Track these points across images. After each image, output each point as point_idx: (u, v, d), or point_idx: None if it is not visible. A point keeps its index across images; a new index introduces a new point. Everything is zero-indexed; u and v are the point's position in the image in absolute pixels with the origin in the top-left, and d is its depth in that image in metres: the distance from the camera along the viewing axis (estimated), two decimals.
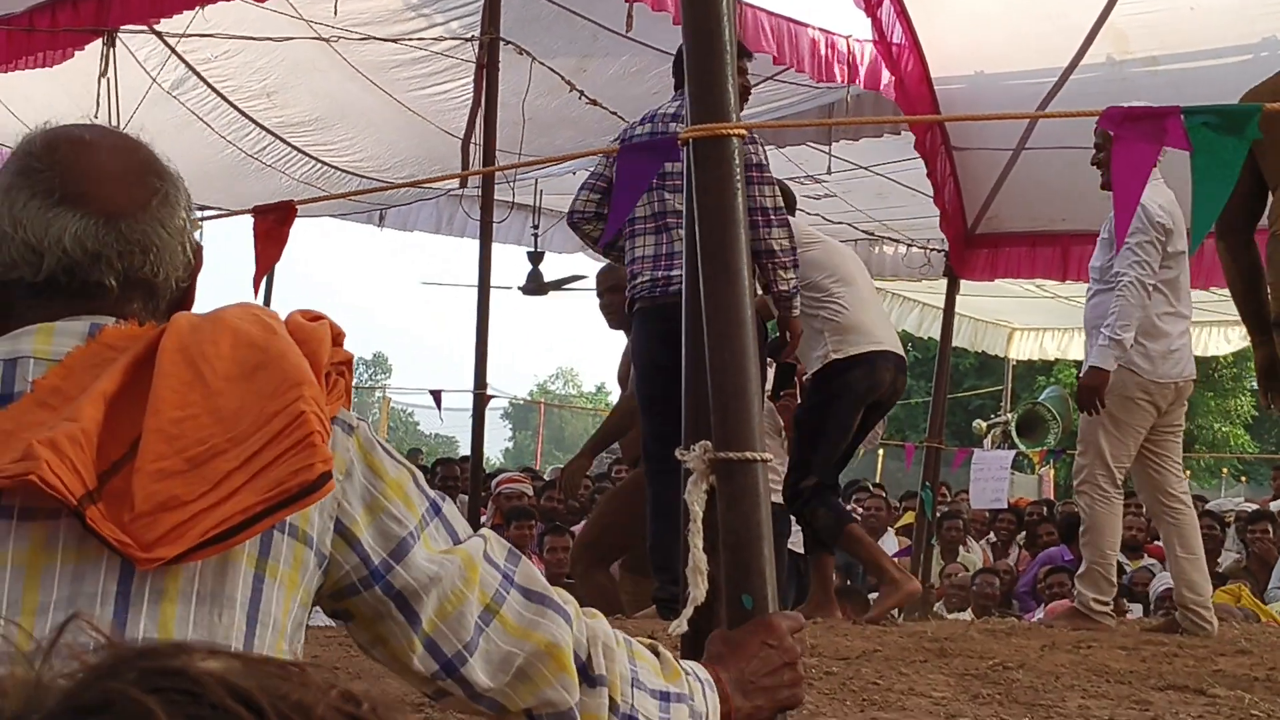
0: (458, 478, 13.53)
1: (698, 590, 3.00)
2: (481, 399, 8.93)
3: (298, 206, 6.58)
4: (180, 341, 1.90)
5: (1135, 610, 11.52)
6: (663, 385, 7.17)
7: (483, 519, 11.35)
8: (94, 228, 2.02)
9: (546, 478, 16.74)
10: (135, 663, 0.91)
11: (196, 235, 2.19)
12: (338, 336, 2.06)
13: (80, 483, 1.78)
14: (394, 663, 2.16)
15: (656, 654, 2.39)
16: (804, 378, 8.85)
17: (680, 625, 2.96)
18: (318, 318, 2.06)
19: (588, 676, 2.23)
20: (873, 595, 10.04)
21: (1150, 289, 7.38)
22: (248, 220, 6.52)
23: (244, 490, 1.82)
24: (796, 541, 10.55)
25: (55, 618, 1.76)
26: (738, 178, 3.10)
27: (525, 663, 2.17)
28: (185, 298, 2.16)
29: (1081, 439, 7.64)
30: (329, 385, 1.99)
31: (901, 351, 8.25)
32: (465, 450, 13.48)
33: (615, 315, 8.60)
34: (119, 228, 2.04)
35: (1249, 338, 6.01)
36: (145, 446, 1.82)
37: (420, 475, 2.17)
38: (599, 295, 8.82)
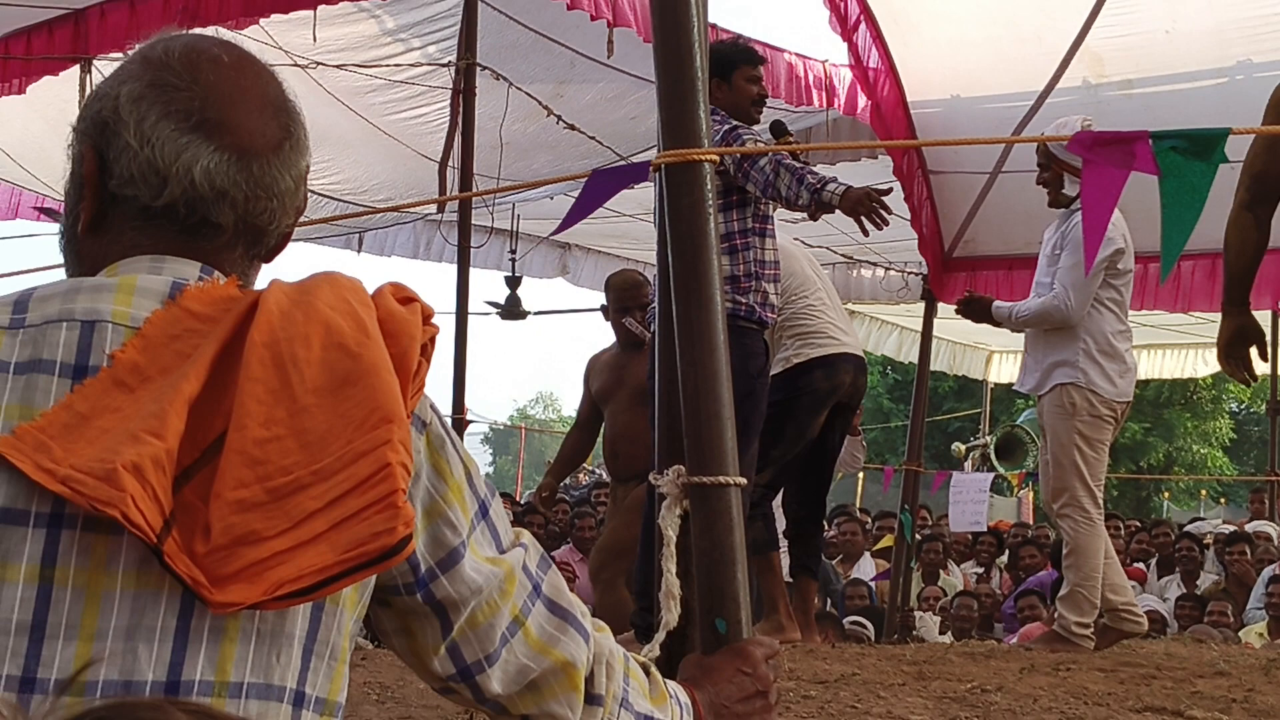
0: None
1: (670, 615, 3.00)
2: (460, 423, 8.92)
3: None
4: (271, 335, 1.80)
5: None
6: None
7: None
8: (227, 164, 1.94)
9: (522, 502, 16.72)
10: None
11: None
12: (427, 315, 1.97)
13: (160, 512, 1.72)
14: (412, 656, 2.12)
15: (648, 673, 2.37)
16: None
17: (653, 649, 2.96)
18: (408, 299, 1.96)
19: (589, 695, 2.21)
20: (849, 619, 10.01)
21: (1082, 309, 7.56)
22: None
23: (323, 542, 1.76)
24: None
25: (113, 646, 1.73)
26: (709, 203, 3.10)
27: (539, 677, 2.15)
28: (282, 243, 2.08)
29: (1055, 463, 7.64)
30: (416, 374, 1.91)
31: (860, 352, 8.37)
32: None
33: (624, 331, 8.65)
34: (251, 168, 1.96)
35: (1224, 308, 6.01)
36: (226, 469, 1.74)
37: (477, 469, 2.09)
38: (621, 309, 8.78)
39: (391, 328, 1.89)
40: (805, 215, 7.16)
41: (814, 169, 7.16)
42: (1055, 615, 7.86)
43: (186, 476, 1.76)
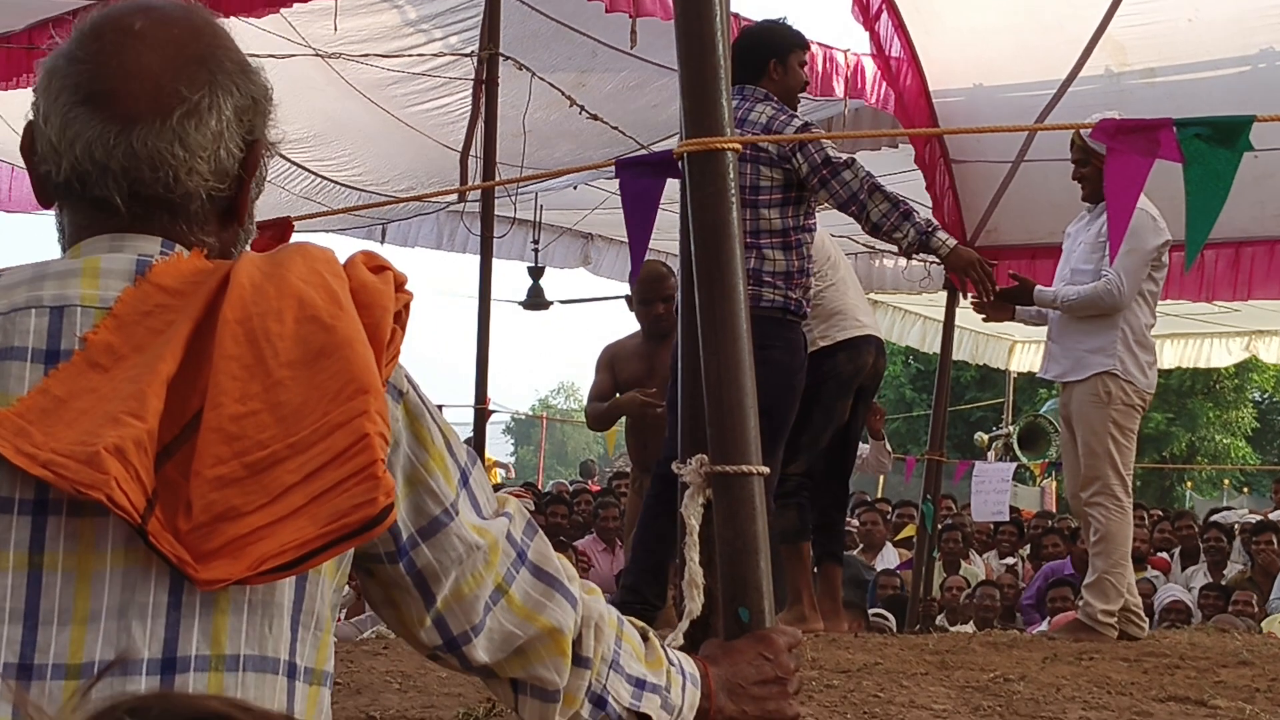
0: None
1: (694, 604, 3.00)
2: (482, 414, 8.93)
3: (295, 222, 6.58)
4: (243, 310, 1.80)
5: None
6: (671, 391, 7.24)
7: None
8: (104, 136, 1.91)
9: (550, 490, 16.77)
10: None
11: (269, 129, 2.10)
12: (400, 283, 1.96)
13: (143, 492, 1.73)
14: (399, 627, 2.13)
15: (646, 639, 2.37)
16: None
17: (677, 638, 2.96)
18: (380, 267, 1.95)
19: (577, 657, 2.22)
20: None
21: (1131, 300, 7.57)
22: None
23: (303, 515, 1.76)
24: None
25: (107, 626, 1.74)
26: (732, 192, 3.10)
27: (526, 643, 2.17)
28: (236, 205, 2.04)
29: (1088, 451, 7.63)
30: (390, 342, 1.90)
31: (880, 333, 8.35)
32: None
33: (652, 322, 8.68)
34: (129, 140, 1.92)
35: None
36: (204, 447, 1.75)
37: (457, 437, 2.10)
38: (645, 301, 8.78)
39: (364, 298, 1.88)
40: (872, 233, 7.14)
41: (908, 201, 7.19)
42: (1081, 603, 7.84)
43: (168, 454, 1.77)
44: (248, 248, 2.09)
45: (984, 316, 8.31)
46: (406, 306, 1.97)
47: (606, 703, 2.27)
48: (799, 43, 7.41)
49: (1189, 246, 2.97)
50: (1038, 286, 7.94)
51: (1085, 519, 7.81)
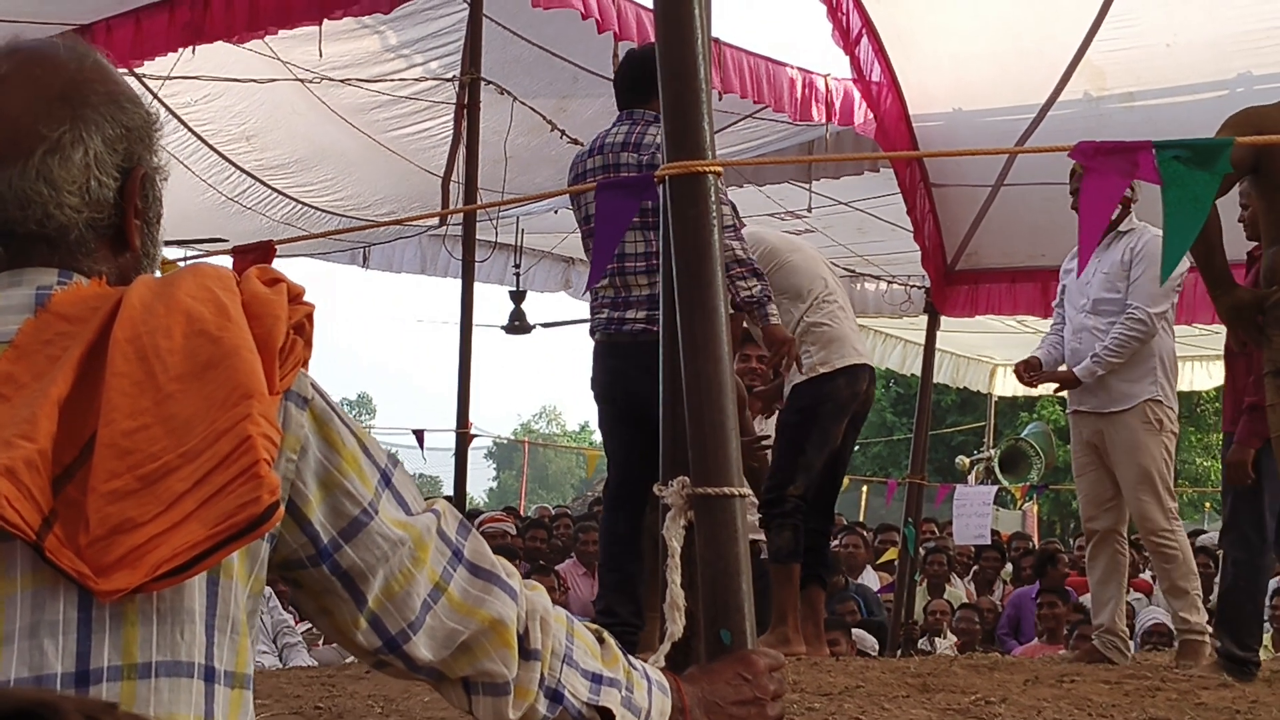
0: None
1: (675, 626, 3.00)
2: (464, 438, 8.93)
3: (277, 246, 6.59)
4: (133, 330, 1.85)
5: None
6: (609, 419, 7.22)
7: None
8: None
9: (532, 515, 16.76)
10: None
11: (152, 155, 2.12)
12: (295, 294, 1.99)
13: (37, 510, 1.76)
14: (338, 634, 2.15)
15: (602, 640, 2.38)
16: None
17: (659, 660, 2.96)
18: (275, 280, 1.98)
19: (524, 650, 2.23)
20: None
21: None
22: (228, 261, 6.53)
23: (194, 520, 1.79)
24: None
25: (20, 646, 1.76)
26: (714, 215, 3.11)
27: (469, 638, 2.18)
28: (122, 232, 2.07)
29: (1143, 478, 7.68)
30: (287, 352, 1.93)
31: (872, 362, 8.42)
32: (449, 490, 13.48)
33: None
34: None
35: (1214, 295, 6.03)
36: (99, 464, 1.79)
37: (374, 441, 2.12)
38: None
39: (255, 309, 1.92)
40: (751, 288, 7.15)
41: None
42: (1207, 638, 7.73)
43: (69, 475, 1.80)
44: (158, 272, 2.11)
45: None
46: (309, 317, 2.00)
47: (563, 696, 2.27)
48: None
49: (1165, 266, 3.00)
50: (1075, 371, 7.95)
51: (1106, 545, 7.84)
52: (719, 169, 3.14)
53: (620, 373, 6.95)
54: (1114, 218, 7.71)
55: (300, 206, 13.39)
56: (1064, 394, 8.35)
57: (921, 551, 13.99)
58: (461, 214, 9.82)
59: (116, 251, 2.08)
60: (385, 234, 14.68)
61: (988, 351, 20.65)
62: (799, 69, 11.31)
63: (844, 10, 10.80)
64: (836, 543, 14.40)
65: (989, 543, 15.41)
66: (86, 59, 2.10)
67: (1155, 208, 7.71)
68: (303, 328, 1.98)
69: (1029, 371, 8.25)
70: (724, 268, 6.84)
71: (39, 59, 2.06)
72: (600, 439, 9.09)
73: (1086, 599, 12.84)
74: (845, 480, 9.54)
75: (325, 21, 9.67)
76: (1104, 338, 7.76)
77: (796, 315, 7.87)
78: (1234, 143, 2.81)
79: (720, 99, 10.39)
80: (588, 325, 7.26)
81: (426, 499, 2.21)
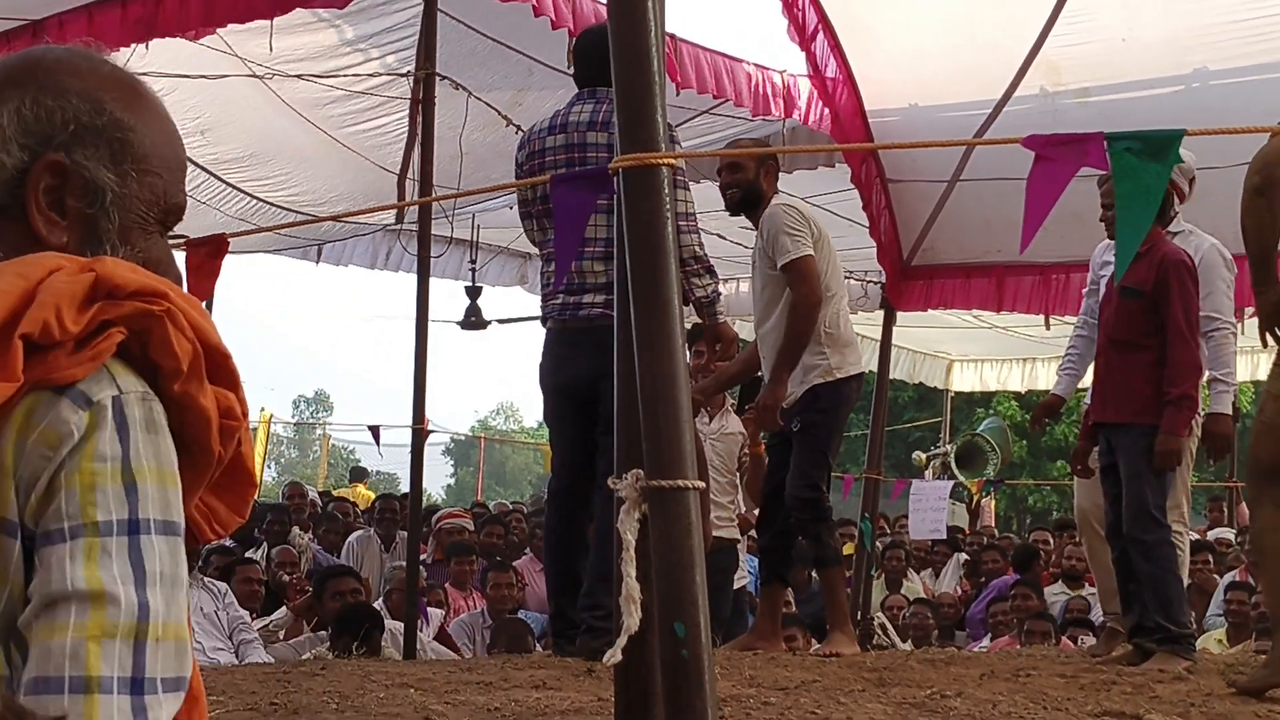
0: (396, 512, 13.51)
1: (631, 619, 2.99)
2: (420, 434, 8.89)
3: (230, 240, 6.56)
4: None
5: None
6: (555, 409, 7.18)
7: (423, 555, 11.31)
8: None
9: (492, 509, 16.76)
10: None
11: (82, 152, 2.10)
12: (139, 290, 1.92)
13: None
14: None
15: None
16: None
17: (615, 655, 2.95)
18: (88, 269, 1.93)
19: None
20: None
21: None
22: (181, 255, 6.50)
23: None
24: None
25: None
26: (668, 208, 3.10)
27: None
28: (16, 205, 2.06)
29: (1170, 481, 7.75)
30: (91, 346, 1.88)
31: None
32: (405, 487, 13.45)
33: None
34: None
35: (1257, 289, 6.12)
36: None
37: (151, 485, 1.89)
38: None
39: (39, 294, 1.89)
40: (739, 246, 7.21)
41: None
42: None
43: None
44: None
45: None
46: (153, 317, 1.93)
47: None
48: None
49: (1119, 259, 3.01)
50: (1216, 409, 7.99)
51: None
52: (673, 161, 3.14)
53: (570, 360, 6.88)
54: (1163, 214, 7.60)
55: (255, 202, 13.33)
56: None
57: (879, 546, 14.03)
58: (417, 210, 9.77)
59: (26, 241, 2.05)
60: (341, 230, 14.61)
61: (944, 347, 20.67)
62: (755, 64, 11.30)
63: (800, 6, 10.81)
64: None
65: (944, 537, 15.46)
66: (53, 52, 2.14)
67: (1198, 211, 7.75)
68: (148, 329, 1.92)
69: (1048, 415, 8.31)
70: (679, 263, 6.79)
71: (19, 56, 2.12)
72: None
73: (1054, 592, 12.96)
74: None
75: (279, 16, 9.63)
76: None
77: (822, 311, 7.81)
78: (1185, 133, 2.81)
79: (677, 94, 10.38)
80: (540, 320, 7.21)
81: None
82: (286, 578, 11.80)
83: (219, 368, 2.00)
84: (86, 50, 2.18)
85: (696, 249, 6.84)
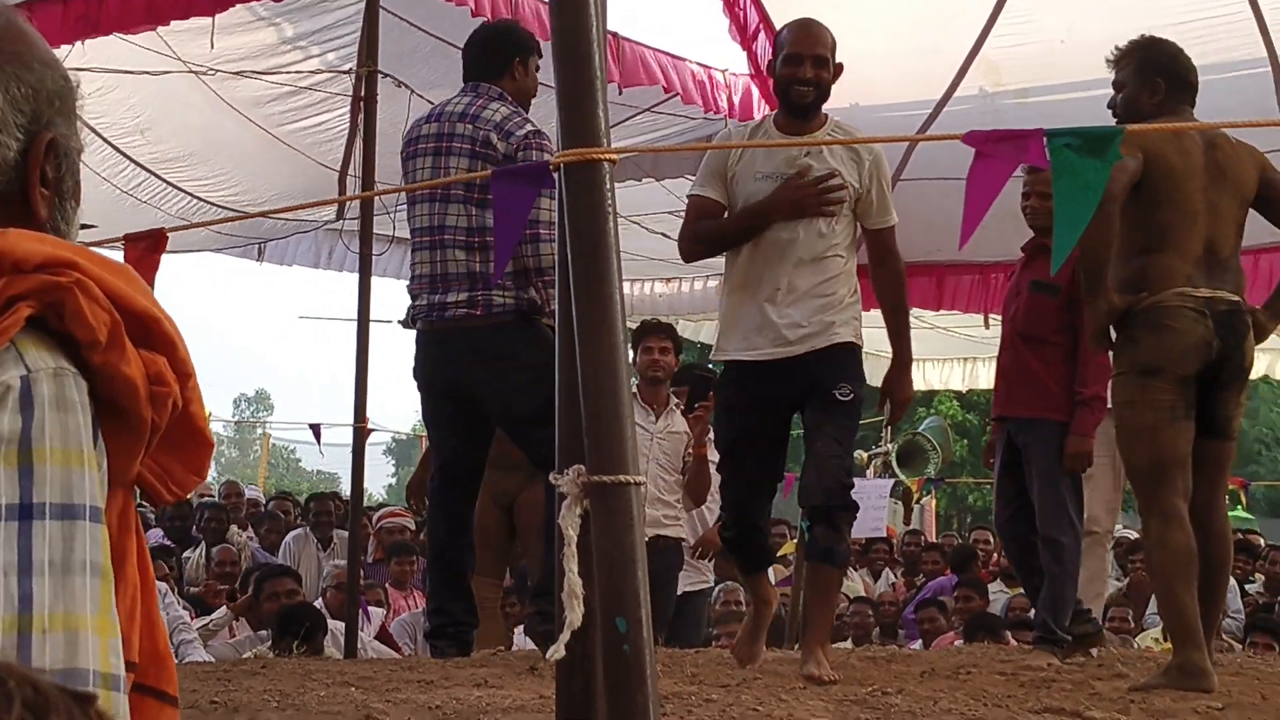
0: (331, 513, 13.47)
1: (574, 615, 2.99)
2: (361, 433, 8.86)
3: (169, 235, 6.53)
4: None
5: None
6: (433, 409, 7.12)
7: (364, 555, 11.29)
8: None
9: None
10: None
11: (63, 122, 2.04)
12: (28, 261, 1.83)
13: None
14: None
15: None
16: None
17: (558, 650, 2.96)
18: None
19: None
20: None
21: None
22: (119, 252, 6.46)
23: None
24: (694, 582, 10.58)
25: None
26: (609, 203, 3.11)
27: None
28: (26, 199, 1.99)
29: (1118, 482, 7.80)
30: None
31: None
32: (346, 486, 13.41)
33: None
34: None
35: (1095, 297, 6.19)
36: None
37: (46, 464, 1.80)
38: None
39: None
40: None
41: None
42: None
43: None
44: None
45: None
46: (63, 289, 1.84)
47: None
48: (537, 49, 7.28)
49: (1055, 254, 3.04)
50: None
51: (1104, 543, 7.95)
52: (614, 157, 3.14)
53: (443, 363, 6.83)
54: None
55: (195, 201, 13.27)
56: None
57: None
58: (359, 208, 9.75)
59: (21, 221, 1.97)
60: (283, 228, 14.56)
61: (886, 346, 20.66)
62: (699, 63, 11.33)
63: (741, 5, 10.83)
64: None
65: (884, 535, 15.52)
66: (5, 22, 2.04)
67: None
68: (60, 301, 1.83)
69: None
70: (540, 272, 6.64)
71: None
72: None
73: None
74: None
75: (220, 15, 9.59)
76: None
77: None
78: (1125, 131, 2.84)
79: (620, 94, 10.39)
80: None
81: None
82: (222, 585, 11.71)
83: (150, 332, 1.91)
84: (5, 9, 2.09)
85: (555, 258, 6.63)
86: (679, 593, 10.31)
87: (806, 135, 6.63)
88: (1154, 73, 6.47)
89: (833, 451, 6.54)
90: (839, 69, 6.78)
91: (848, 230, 6.77)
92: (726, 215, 6.61)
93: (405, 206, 7.63)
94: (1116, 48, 6.68)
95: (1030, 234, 7.91)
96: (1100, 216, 5.95)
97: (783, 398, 6.65)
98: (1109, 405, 6.96)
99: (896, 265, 7.09)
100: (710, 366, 8.07)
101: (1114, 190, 5.84)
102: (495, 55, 7.06)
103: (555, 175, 3.19)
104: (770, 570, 7.29)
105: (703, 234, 6.67)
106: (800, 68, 6.62)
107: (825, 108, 6.78)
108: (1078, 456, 7.49)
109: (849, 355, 6.84)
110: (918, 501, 19.96)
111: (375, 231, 9.55)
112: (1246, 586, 14.52)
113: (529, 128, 6.84)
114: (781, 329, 6.55)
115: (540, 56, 7.28)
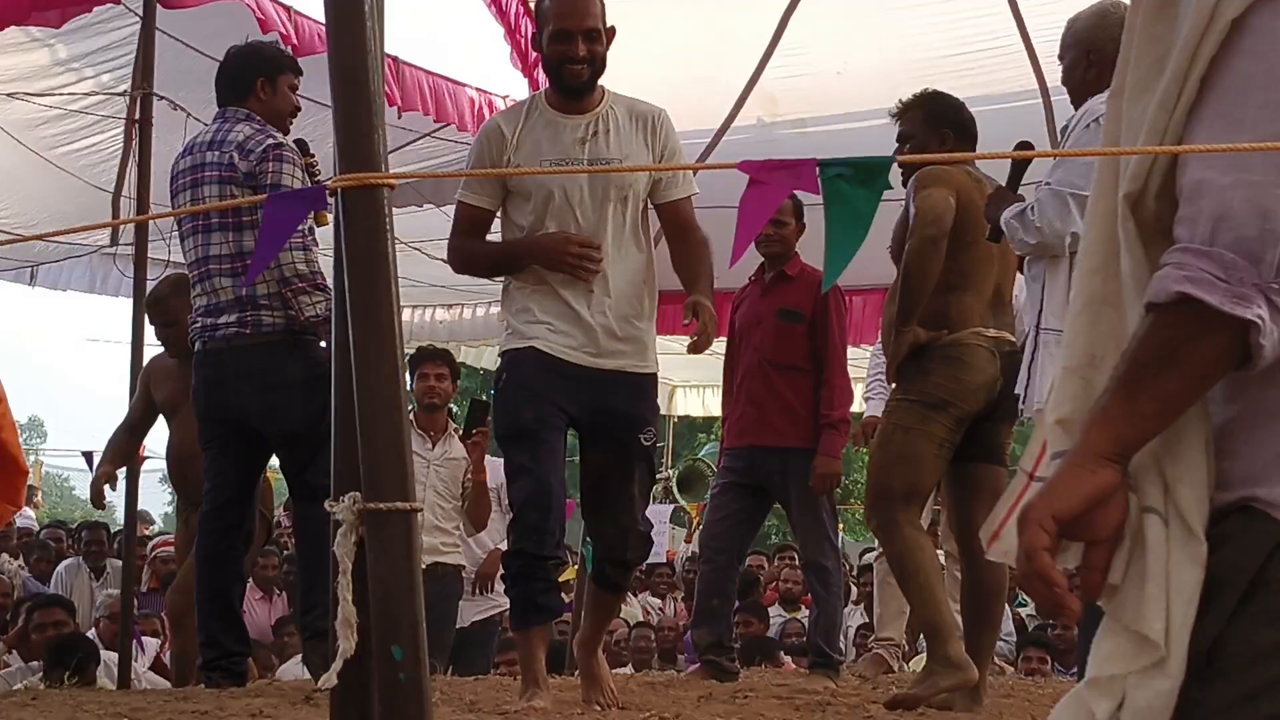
0: (104, 542, 13.22)
1: (348, 643, 2.97)
2: (136, 461, 8.72)
3: None
4: None
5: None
6: (206, 433, 7.02)
7: (138, 584, 11.09)
8: None
9: None
10: None
11: None
12: None
13: None
14: None
15: None
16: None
17: (330, 679, 2.93)
18: None
19: None
20: None
21: None
22: None
23: None
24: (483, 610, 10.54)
25: None
26: (387, 228, 3.09)
27: None
28: None
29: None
30: None
31: None
32: (120, 515, 13.17)
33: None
34: None
35: (902, 329, 6.31)
36: None
37: None
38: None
39: None
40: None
41: None
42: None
43: None
44: None
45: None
46: None
47: None
48: (292, 67, 7.19)
49: (826, 278, 3.08)
50: None
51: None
52: (393, 182, 3.13)
53: (213, 384, 6.74)
54: None
55: None
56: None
57: None
58: (134, 232, 9.59)
59: None
60: (56, 251, 14.29)
61: (666, 373, 20.80)
62: (477, 89, 11.32)
63: (522, 33, 10.84)
64: None
65: (664, 560, 15.59)
66: None
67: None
68: None
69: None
70: (286, 281, 6.61)
71: None
72: None
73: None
74: None
75: None
76: None
77: None
78: (893, 160, 2.89)
79: (400, 117, 10.35)
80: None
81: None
82: None
83: None
84: None
85: (298, 266, 6.59)
86: (469, 621, 10.29)
87: (585, 115, 6.33)
88: (941, 124, 6.68)
89: (639, 508, 6.27)
90: (612, 33, 6.32)
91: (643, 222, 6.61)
92: (502, 217, 6.40)
93: (169, 232, 7.53)
94: (901, 101, 6.84)
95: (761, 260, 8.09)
96: (933, 250, 6.18)
97: (574, 408, 6.21)
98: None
99: (701, 234, 6.75)
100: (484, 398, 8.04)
101: (945, 226, 6.14)
102: (239, 79, 6.97)
103: (332, 200, 3.16)
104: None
105: (468, 257, 6.45)
106: (571, 44, 6.18)
107: None
108: (828, 477, 7.69)
109: (653, 387, 6.53)
110: (698, 527, 20.09)
111: (150, 256, 9.39)
112: (1018, 608, 14.78)
113: (269, 141, 6.71)
114: (599, 334, 6.28)
115: (297, 74, 7.17)
